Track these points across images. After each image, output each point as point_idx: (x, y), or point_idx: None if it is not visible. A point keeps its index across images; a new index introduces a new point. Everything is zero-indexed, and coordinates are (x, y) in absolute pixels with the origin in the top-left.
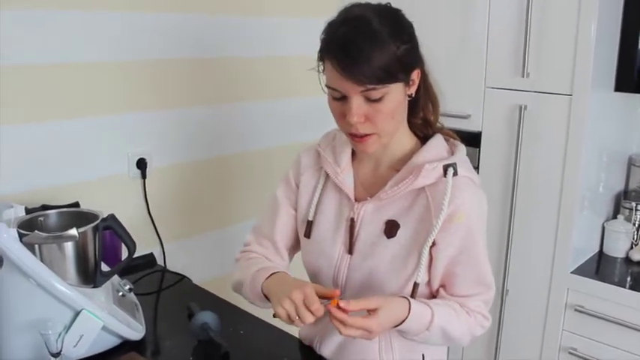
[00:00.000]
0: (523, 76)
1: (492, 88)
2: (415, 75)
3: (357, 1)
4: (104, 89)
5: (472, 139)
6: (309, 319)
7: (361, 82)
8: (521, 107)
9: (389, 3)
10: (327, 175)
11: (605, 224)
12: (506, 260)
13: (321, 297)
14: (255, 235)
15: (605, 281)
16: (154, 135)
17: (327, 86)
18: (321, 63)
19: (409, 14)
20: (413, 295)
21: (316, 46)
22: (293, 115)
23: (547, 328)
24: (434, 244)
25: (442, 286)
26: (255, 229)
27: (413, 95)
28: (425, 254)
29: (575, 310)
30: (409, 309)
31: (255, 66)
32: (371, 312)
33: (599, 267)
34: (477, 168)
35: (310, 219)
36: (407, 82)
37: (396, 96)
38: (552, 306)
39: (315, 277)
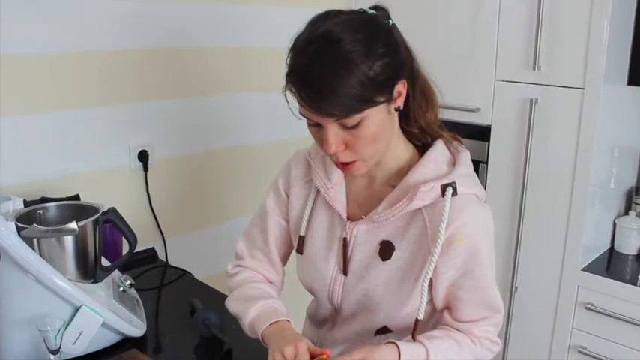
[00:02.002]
0: (534, 69)
1: (502, 80)
2: (401, 86)
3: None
4: (105, 80)
5: (481, 133)
6: None
7: (331, 116)
8: (531, 101)
9: (362, 9)
10: (318, 189)
11: (616, 221)
12: (515, 257)
13: (313, 355)
14: (247, 244)
15: (616, 279)
16: (156, 126)
17: (300, 113)
18: (289, 88)
19: (418, 6)
20: (414, 331)
21: None
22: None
23: (556, 325)
24: (428, 265)
25: (447, 308)
26: (246, 238)
27: (401, 107)
28: (425, 289)
29: (586, 307)
30: (399, 355)
31: (259, 56)
32: None
33: (610, 264)
34: (486, 163)
35: (302, 234)
36: (389, 100)
37: (376, 119)
38: (562, 303)
39: (311, 294)
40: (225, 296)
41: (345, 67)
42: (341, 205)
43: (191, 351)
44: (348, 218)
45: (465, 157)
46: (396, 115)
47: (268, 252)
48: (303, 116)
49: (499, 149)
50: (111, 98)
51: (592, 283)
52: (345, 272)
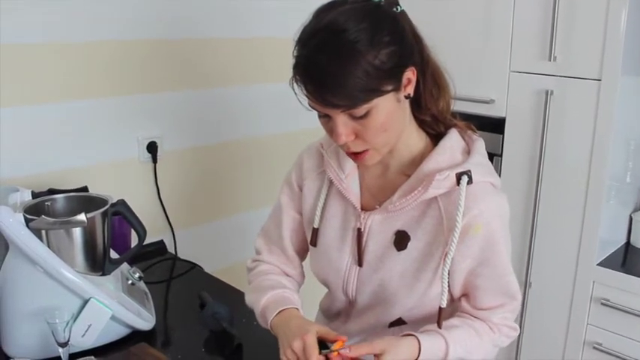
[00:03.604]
0: (550, 60)
1: (517, 72)
2: (410, 74)
3: None
4: (114, 70)
5: (496, 125)
6: None
7: (337, 107)
8: (547, 92)
9: None
10: (332, 180)
11: (632, 215)
12: (529, 252)
13: (328, 340)
14: (265, 240)
15: (631, 274)
16: (165, 118)
17: (309, 104)
18: (295, 80)
19: None
20: (439, 319)
21: None
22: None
23: (571, 321)
24: (446, 254)
25: (465, 295)
26: (263, 233)
27: (411, 95)
28: (445, 278)
29: (601, 303)
30: (419, 349)
31: (270, 46)
32: (376, 357)
33: (626, 259)
34: (500, 155)
35: (316, 226)
36: (397, 88)
37: (384, 108)
38: (577, 299)
39: (325, 287)
40: (235, 290)
41: (349, 58)
42: (354, 196)
43: (201, 345)
44: (362, 208)
45: (480, 146)
46: (406, 103)
47: (284, 247)
48: (312, 107)
49: (514, 142)
50: (120, 89)
51: (608, 278)
52: (359, 263)
